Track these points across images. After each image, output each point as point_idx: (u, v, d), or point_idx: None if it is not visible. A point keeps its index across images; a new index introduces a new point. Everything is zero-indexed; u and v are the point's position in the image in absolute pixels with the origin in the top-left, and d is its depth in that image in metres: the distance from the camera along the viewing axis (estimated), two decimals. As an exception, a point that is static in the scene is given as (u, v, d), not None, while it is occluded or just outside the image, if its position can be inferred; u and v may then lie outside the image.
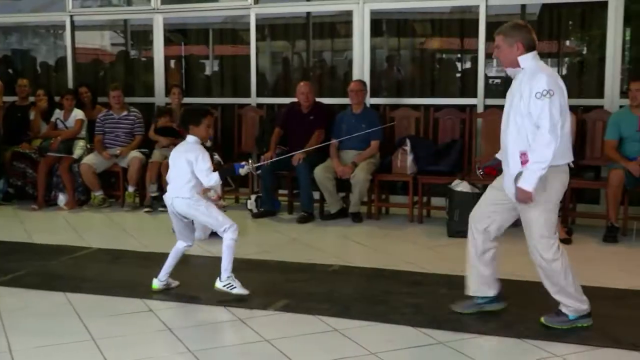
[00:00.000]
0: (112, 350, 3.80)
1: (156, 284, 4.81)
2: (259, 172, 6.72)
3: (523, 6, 8.57)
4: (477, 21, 7.55)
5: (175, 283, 4.89)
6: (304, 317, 4.33)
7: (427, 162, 7.11)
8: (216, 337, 4.01)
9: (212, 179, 4.62)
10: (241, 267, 5.48)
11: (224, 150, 8.16)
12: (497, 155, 4.43)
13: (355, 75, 7.95)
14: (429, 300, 4.61)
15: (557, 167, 3.98)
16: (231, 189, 8.17)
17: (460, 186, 6.45)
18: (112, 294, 4.80)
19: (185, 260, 5.80)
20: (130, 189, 7.90)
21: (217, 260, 5.78)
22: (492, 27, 7.85)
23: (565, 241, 6.12)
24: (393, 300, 4.60)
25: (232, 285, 4.60)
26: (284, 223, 7.17)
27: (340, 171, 7.08)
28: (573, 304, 4.05)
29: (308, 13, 9.32)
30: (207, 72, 10.48)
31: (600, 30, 7.39)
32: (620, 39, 7.11)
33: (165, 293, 4.78)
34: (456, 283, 4.94)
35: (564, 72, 9.13)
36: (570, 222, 6.70)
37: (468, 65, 8.91)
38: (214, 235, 6.44)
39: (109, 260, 5.76)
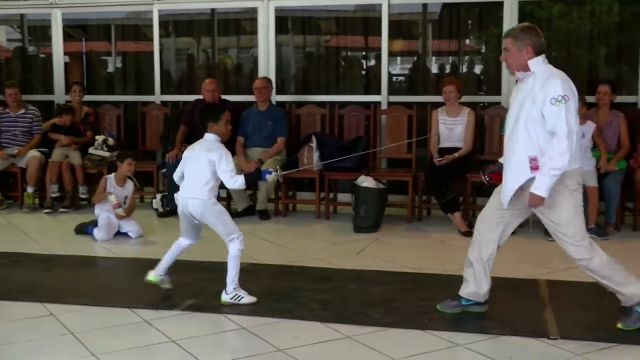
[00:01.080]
0: (14, 357, 3.68)
1: (153, 275, 4.60)
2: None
3: (424, 5, 8.77)
4: (380, 20, 7.68)
5: (167, 285, 4.65)
6: (212, 317, 4.29)
7: (333, 158, 7.16)
8: (121, 340, 3.91)
9: (237, 182, 4.41)
10: (147, 268, 5.40)
11: (128, 149, 8.01)
12: (501, 160, 4.31)
13: (261, 72, 7.95)
14: (337, 296, 4.64)
15: (572, 171, 3.92)
16: (136, 188, 8.00)
17: (366, 182, 6.55)
18: (12, 299, 4.62)
19: (88, 262, 5.70)
20: (30, 189, 7.64)
21: (121, 261, 5.70)
22: (395, 25, 8.06)
23: (467, 234, 6.32)
24: (301, 297, 4.62)
25: (239, 296, 4.42)
26: (191, 222, 7.09)
27: (247, 168, 7.05)
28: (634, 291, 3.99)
29: (213, 9, 9.24)
30: (110, 69, 10.23)
31: (498, 29, 7.63)
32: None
33: (67, 296, 4.64)
34: (363, 278, 5.05)
35: (464, 70, 9.38)
36: (471, 215, 6.89)
37: (372, 62, 9.04)
38: (118, 235, 6.35)
39: (7, 264, 5.54)
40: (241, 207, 7.18)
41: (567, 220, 3.94)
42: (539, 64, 3.95)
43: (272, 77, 7.77)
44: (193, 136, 7.43)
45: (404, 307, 4.40)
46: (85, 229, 6.41)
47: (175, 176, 4.65)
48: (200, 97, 7.53)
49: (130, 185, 6.53)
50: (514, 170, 3.98)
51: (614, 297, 4.00)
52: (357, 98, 8.02)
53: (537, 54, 3.96)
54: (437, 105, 7.05)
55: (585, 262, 3.95)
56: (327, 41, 9.89)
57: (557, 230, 3.99)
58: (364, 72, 9.39)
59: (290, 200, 7.53)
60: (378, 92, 7.77)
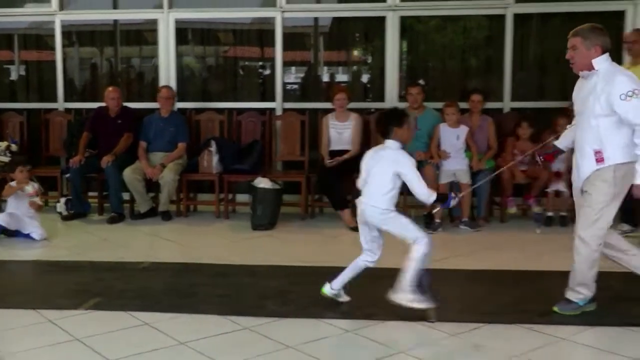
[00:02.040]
0: None
1: (327, 290, 4.23)
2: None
3: (316, 19, 8.84)
4: (274, 32, 7.68)
5: (345, 298, 4.25)
6: (115, 314, 4.17)
7: (232, 161, 7.14)
8: (24, 340, 3.75)
9: (433, 197, 4.01)
10: (51, 270, 5.24)
11: (31, 155, 7.70)
12: (556, 143, 4.32)
13: (162, 80, 7.80)
14: (235, 290, 4.62)
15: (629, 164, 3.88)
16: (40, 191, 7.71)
17: (262, 183, 6.54)
18: None
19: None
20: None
21: (25, 264, 5.47)
22: (288, 37, 8.08)
23: (355, 229, 6.39)
24: (201, 293, 4.57)
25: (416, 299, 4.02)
26: (95, 224, 6.88)
27: (149, 172, 6.92)
28: (586, 293, 4.04)
29: (115, 20, 9.00)
30: (13, 77, 9.79)
31: (381, 41, 7.79)
32: (398, 50, 7.56)
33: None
34: (260, 273, 5.04)
35: (353, 78, 9.51)
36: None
37: (268, 72, 9.03)
38: (22, 237, 6.08)
39: None
40: (144, 209, 7.02)
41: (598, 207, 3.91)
42: (603, 62, 3.87)
43: (173, 85, 7.65)
44: (96, 142, 7.26)
45: (297, 298, 4.43)
46: None
47: (361, 184, 4.17)
48: (103, 104, 7.33)
49: (34, 186, 6.30)
50: (584, 162, 3.96)
51: (487, 282, 4.14)
52: (254, 105, 7.99)
53: (604, 53, 3.88)
54: (327, 111, 7.12)
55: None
56: (225, 51, 9.81)
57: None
58: (260, 81, 9.36)
59: (191, 202, 7.43)
60: (273, 99, 7.77)
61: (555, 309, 4.10)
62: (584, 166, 3.97)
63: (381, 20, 7.55)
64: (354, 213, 6.60)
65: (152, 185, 7.10)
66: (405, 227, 4.01)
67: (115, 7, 8.96)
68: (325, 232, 6.48)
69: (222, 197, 7.12)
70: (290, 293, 4.53)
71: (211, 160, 7.06)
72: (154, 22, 8.04)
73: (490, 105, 7.11)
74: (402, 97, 7.45)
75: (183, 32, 8.52)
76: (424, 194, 3.97)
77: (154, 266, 5.20)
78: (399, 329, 3.93)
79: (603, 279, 4.13)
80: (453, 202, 4.14)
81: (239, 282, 4.82)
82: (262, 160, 7.30)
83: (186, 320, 4.07)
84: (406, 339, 3.77)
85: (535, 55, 7.82)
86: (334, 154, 6.82)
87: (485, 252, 5.67)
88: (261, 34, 8.84)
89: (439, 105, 6.87)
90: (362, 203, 4.08)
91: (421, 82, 7.90)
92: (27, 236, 6.12)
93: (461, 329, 3.85)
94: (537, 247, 5.80)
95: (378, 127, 4.22)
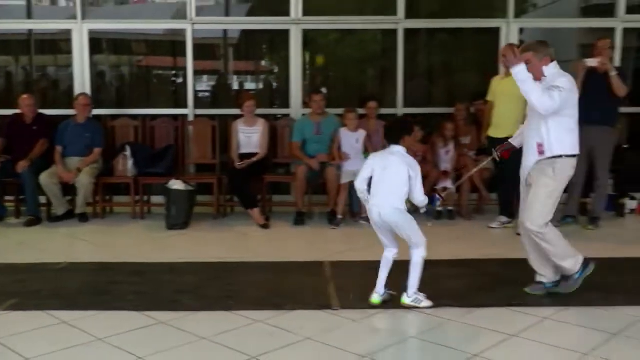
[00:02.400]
0: None
1: (376, 298, 4.07)
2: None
3: (225, 31, 8.78)
4: (185, 43, 7.56)
5: (427, 303, 4.04)
6: (33, 314, 3.99)
7: (146, 165, 6.98)
8: (-59, 343, 3.55)
9: (426, 201, 4.03)
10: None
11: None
12: (511, 141, 4.46)
13: (77, 89, 7.52)
14: (151, 287, 4.51)
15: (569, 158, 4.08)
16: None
17: (176, 185, 6.43)
18: None
19: None
20: None
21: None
22: (199, 48, 7.98)
23: (264, 226, 6.41)
24: (118, 290, 4.43)
25: (419, 300, 4.03)
26: (12, 227, 6.57)
27: (65, 176, 6.67)
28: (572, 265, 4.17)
29: (30, 30, 8.62)
30: None
31: (286, 52, 7.82)
32: (301, 60, 7.61)
33: None
34: (175, 270, 4.95)
35: (260, 87, 9.52)
36: (268, 210, 7.00)
37: (180, 80, 8.89)
38: None
39: None
40: (61, 211, 6.75)
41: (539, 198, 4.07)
42: (551, 69, 4.08)
43: (88, 93, 7.39)
44: (11, 148, 6.92)
45: (211, 292, 4.38)
46: None
47: (362, 182, 4.12)
48: (18, 111, 7.00)
49: None
50: (528, 155, 4.15)
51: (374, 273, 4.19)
52: (167, 111, 7.84)
53: (552, 61, 4.10)
54: (237, 117, 7.08)
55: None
56: (139, 61, 9.60)
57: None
58: (173, 89, 9.21)
59: (108, 204, 7.21)
60: (185, 106, 7.65)
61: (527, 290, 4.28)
62: (528, 159, 4.18)
63: (286, 33, 7.57)
64: (262, 212, 6.64)
65: (68, 189, 6.84)
66: (416, 230, 4.00)
67: (29, 17, 8.60)
68: (236, 229, 6.43)
69: (137, 199, 6.95)
70: (204, 288, 4.47)
71: (126, 164, 6.88)
72: (68, 32, 7.73)
73: (386, 111, 7.26)
74: (305, 104, 7.49)
75: (97, 42, 8.26)
76: (422, 196, 4.00)
77: (72, 266, 5.01)
78: (305, 315, 3.94)
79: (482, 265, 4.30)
80: (438, 203, 4.29)
81: (155, 279, 4.72)
82: (176, 163, 7.16)
83: (103, 317, 3.94)
84: (312, 326, 3.79)
85: (424, 66, 8.06)
86: (243, 156, 6.79)
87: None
88: (173, 44, 8.70)
89: (340, 111, 6.96)
90: (377, 206, 3.99)
91: (323, 90, 7.99)
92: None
93: (362, 315, 3.91)
94: (430, 239, 5.95)
95: (388, 133, 4.19)
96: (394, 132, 4.13)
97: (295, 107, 7.57)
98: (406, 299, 4.02)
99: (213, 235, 6.21)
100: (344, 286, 4.46)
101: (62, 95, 8.50)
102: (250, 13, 8.66)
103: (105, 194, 7.08)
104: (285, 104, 7.74)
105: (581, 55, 7.91)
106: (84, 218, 6.71)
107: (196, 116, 7.57)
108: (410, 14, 7.49)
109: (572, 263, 4.20)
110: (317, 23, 7.74)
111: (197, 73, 8.05)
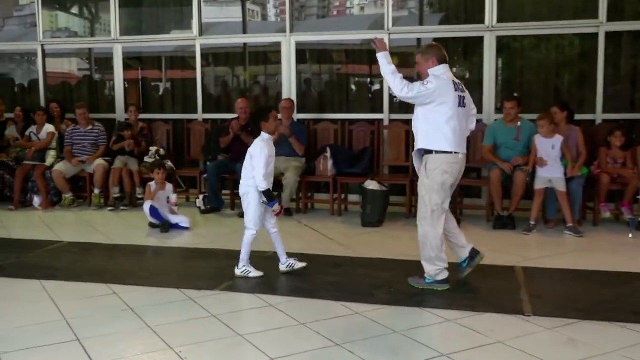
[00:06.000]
0: (82, 328, 3.68)
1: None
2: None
3: (418, 40, 8.73)
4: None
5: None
6: (245, 296, 4.29)
7: (345, 165, 7.16)
8: (171, 314, 3.91)
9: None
10: (193, 255, 5.44)
11: (177, 158, 8.06)
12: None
13: (285, 95, 7.93)
14: (348, 279, 4.62)
15: (440, 156, 4.18)
16: (182, 190, 8.05)
17: (372, 185, 6.52)
18: (81, 280, 4.64)
19: (144, 250, 5.71)
20: (96, 191, 7.67)
21: (170, 250, 5.71)
22: (394, 56, 8.01)
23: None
24: (318, 280, 4.59)
25: (248, 271, 4.59)
26: (228, 218, 7.09)
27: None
28: (430, 271, 4.29)
29: (245, 44, 9.26)
30: (161, 92, 10.26)
31: (479, 58, 7.58)
32: (494, 66, 7.33)
33: (127, 278, 4.65)
34: (371, 264, 5.01)
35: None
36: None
37: (377, 87, 9.00)
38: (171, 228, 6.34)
39: (78, 252, 5.57)
40: (268, 205, 7.14)
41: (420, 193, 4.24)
42: (438, 71, 4.22)
43: (294, 99, 7.76)
44: (228, 148, 7.42)
45: (403, 288, 4.37)
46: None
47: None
48: (235, 115, 7.53)
49: (170, 187, 6.61)
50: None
51: (583, 281, 3.93)
52: (364, 116, 7.98)
53: (440, 63, 4.23)
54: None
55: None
56: (339, 69, 9.87)
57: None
58: (370, 95, 9.35)
59: (310, 200, 7.51)
60: (381, 111, 7.72)
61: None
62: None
63: (479, 40, 7.34)
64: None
65: (275, 185, 7.20)
66: None
67: (244, 32, 9.24)
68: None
69: (336, 197, 7.16)
70: (397, 284, 4.47)
71: (327, 164, 7.11)
72: (278, 45, 8.18)
73: (584, 117, 6.75)
74: (498, 110, 7.21)
75: (302, 53, 8.64)
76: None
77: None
78: (496, 319, 3.78)
79: None
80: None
81: (351, 272, 4.82)
82: (372, 165, 7.27)
83: (304, 303, 4.10)
84: (503, 330, 3.63)
85: (626, 70, 7.38)
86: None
87: (578, 253, 5.38)
88: (370, 53, 8.82)
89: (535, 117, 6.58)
90: None
91: (516, 95, 7.62)
92: (176, 226, 6.39)
93: (556, 324, 3.67)
94: (630, 251, 5.45)
95: None
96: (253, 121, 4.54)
97: (488, 112, 7.31)
98: (237, 271, 4.48)
99: (405, 234, 6.19)
100: (536, 293, 4.22)
101: (270, 101, 9.00)
102: (444, 22, 8.53)
103: (307, 191, 7.37)
104: (478, 109, 7.48)
105: None
106: (288, 213, 7.03)
107: (391, 120, 7.61)
108: (614, 16, 6.89)
109: None
110: (513, 29, 7.42)
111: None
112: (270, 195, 4.57)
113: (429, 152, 4.22)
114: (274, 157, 4.64)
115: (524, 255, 5.26)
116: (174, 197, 6.62)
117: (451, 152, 4.19)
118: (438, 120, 4.17)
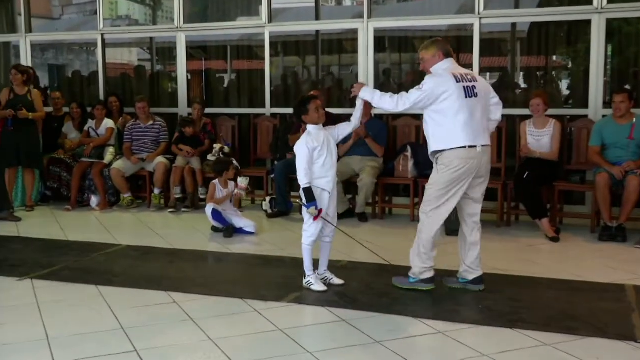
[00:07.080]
0: (139, 338, 3.79)
1: None
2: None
3: (513, 24, 8.55)
4: (472, 38, 7.51)
5: None
6: (314, 309, 4.31)
7: (427, 166, 7.05)
8: (234, 327, 3.97)
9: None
10: (258, 263, 5.52)
11: (242, 156, 8.19)
12: None
13: (361, 87, 7.91)
14: (430, 293, 4.56)
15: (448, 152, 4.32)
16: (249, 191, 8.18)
17: (457, 189, 6.40)
18: (139, 287, 4.78)
19: (206, 256, 5.83)
20: (156, 191, 7.90)
21: (234, 256, 5.80)
22: (487, 43, 7.89)
23: (554, 239, 6.09)
24: (396, 293, 4.57)
25: (310, 283, 4.67)
26: (296, 222, 7.12)
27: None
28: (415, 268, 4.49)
29: (317, 31, 9.31)
30: (225, 84, 10.47)
31: (585, 45, 7.33)
32: (603, 54, 7.07)
33: (187, 286, 4.76)
34: (453, 277, 4.92)
35: (552, 84, 9.07)
36: (558, 222, 6.65)
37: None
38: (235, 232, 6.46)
39: (137, 256, 5.75)
40: (341, 210, 7.12)
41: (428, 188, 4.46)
42: (441, 65, 4.39)
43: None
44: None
45: (494, 306, 4.28)
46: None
47: None
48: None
49: (232, 185, 6.72)
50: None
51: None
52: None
53: (446, 56, 4.41)
54: (525, 117, 6.83)
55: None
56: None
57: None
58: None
59: (387, 205, 7.47)
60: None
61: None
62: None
63: (586, 24, 7.10)
64: (552, 223, 6.31)
65: (350, 187, 7.23)
66: None
67: (317, 18, 9.28)
68: (522, 240, 6.21)
69: (417, 201, 7.08)
70: (487, 300, 4.38)
71: (407, 165, 7.06)
72: (353, 32, 8.18)
73: None
74: (606, 104, 6.95)
75: (380, 40, 8.61)
76: None
77: (351, 265, 5.29)
78: (603, 345, 3.64)
79: None
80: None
81: (436, 285, 4.72)
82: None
83: (382, 319, 4.08)
84: (610, 358, 3.48)
85: None
86: (531, 161, 6.52)
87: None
88: (458, 40, 8.71)
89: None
90: None
91: (627, 87, 7.34)
92: (241, 230, 6.50)
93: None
94: None
95: None
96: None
97: (595, 107, 7.06)
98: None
99: (496, 244, 6.06)
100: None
101: (346, 94, 9.02)
102: (544, 4, 8.30)
103: (385, 195, 7.34)
104: (583, 103, 7.26)
105: None
106: (363, 218, 7.04)
107: (481, 116, 7.46)
108: None
109: None
110: (626, 11, 7.13)
111: (482, 70, 7.93)
112: (310, 195, 4.50)
113: (442, 151, 4.35)
114: (322, 148, 4.53)
115: (637, 272, 5.05)
116: (244, 182, 6.72)
117: (465, 147, 4.24)
118: (446, 116, 4.28)
